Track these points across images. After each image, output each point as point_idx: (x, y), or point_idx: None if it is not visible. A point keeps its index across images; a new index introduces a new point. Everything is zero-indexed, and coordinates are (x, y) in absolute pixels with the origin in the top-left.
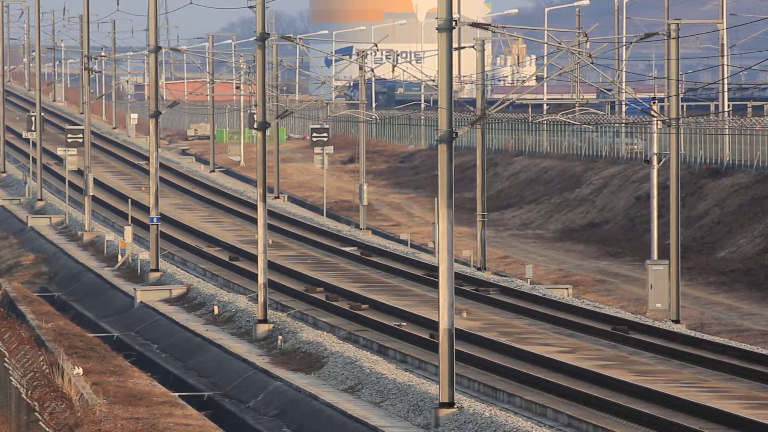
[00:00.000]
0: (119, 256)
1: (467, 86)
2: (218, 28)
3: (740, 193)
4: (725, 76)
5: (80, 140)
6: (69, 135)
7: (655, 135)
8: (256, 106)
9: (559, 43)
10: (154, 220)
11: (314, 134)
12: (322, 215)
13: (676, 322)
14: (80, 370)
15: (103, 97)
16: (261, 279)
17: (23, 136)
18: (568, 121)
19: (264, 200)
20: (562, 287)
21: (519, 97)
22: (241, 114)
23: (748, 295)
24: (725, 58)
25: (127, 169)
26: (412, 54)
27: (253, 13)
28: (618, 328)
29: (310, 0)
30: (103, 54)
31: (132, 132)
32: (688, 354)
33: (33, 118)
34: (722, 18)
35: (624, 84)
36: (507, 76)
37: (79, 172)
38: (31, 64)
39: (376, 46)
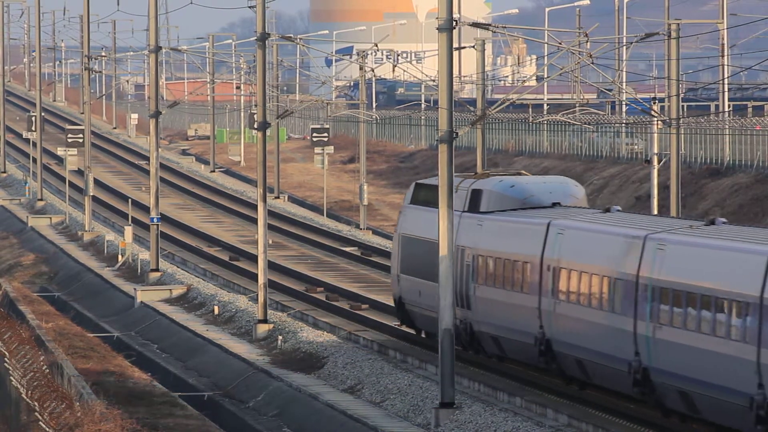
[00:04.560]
0: (119, 256)
1: (467, 86)
2: (218, 28)
3: (740, 193)
4: (725, 76)
5: (80, 140)
6: (69, 135)
7: (656, 135)
8: (256, 106)
9: (560, 43)
10: (155, 220)
11: (314, 134)
12: (322, 215)
13: None
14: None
15: (104, 97)
16: (261, 279)
17: (23, 136)
18: (569, 121)
19: (264, 200)
20: None
21: (519, 97)
22: (242, 114)
23: None
24: (725, 58)
25: (127, 169)
26: (413, 54)
27: (253, 13)
28: None
29: (310, 0)
30: (103, 54)
31: (132, 132)
32: None
33: (33, 118)
34: (722, 18)
35: (624, 84)
36: (507, 76)
37: (79, 172)
38: (31, 64)
39: (377, 46)
